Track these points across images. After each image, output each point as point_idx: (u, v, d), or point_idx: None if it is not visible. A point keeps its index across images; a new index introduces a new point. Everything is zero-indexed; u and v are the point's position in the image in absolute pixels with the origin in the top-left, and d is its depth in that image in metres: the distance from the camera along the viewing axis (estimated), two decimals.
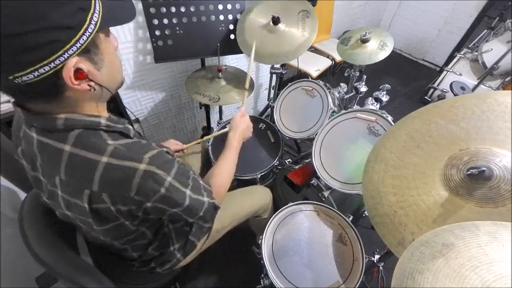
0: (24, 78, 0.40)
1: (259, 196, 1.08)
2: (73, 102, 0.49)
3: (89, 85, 0.47)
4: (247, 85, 1.12)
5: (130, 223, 0.60)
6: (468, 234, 0.37)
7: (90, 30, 0.43)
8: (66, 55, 0.41)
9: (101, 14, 0.46)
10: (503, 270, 0.31)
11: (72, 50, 0.42)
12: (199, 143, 1.20)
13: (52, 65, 0.41)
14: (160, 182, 0.53)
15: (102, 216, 0.55)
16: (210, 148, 1.25)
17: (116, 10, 0.51)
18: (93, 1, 0.45)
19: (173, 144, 1.10)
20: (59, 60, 0.41)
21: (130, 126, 0.60)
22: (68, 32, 0.41)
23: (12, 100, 0.49)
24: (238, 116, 0.99)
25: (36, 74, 0.40)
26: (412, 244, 0.40)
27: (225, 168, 0.85)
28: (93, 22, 0.44)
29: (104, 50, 0.49)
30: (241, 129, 0.96)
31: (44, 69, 0.40)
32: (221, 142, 1.27)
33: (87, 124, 0.50)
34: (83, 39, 0.42)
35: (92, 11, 0.44)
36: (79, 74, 0.44)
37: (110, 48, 0.51)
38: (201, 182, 0.67)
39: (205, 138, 1.21)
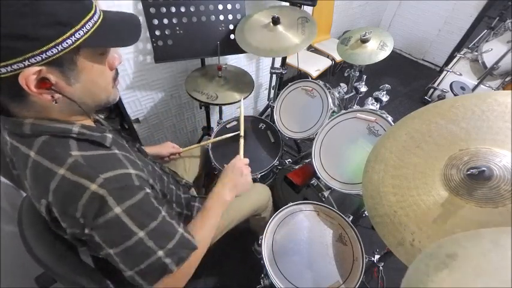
0: None
1: (258, 194, 1.08)
2: (40, 108, 0.48)
3: (52, 96, 0.46)
4: (241, 131, 1.03)
5: (81, 247, 0.56)
6: (471, 243, 0.37)
7: (65, 45, 0.42)
8: (26, 62, 0.40)
9: (90, 33, 0.45)
10: (506, 276, 0.31)
11: (35, 60, 0.41)
12: (196, 147, 1.19)
13: (9, 68, 0.40)
14: (105, 210, 0.47)
15: (61, 225, 0.52)
16: (210, 149, 1.25)
17: (114, 32, 0.49)
18: (84, 20, 0.44)
19: (170, 147, 1.08)
20: (17, 66, 0.40)
21: (109, 135, 0.56)
22: (31, 42, 0.40)
23: None
24: (235, 163, 0.82)
25: None
26: (417, 257, 0.40)
27: (207, 228, 0.69)
28: (72, 38, 0.43)
29: (83, 68, 0.47)
30: (232, 183, 0.78)
31: (1, 71, 0.40)
32: (221, 143, 1.28)
33: (55, 131, 0.49)
34: (52, 52, 0.42)
35: (77, 28, 0.43)
36: (43, 83, 0.44)
37: (94, 67, 0.49)
38: (181, 231, 0.57)
39: (202, 143, 1.21)
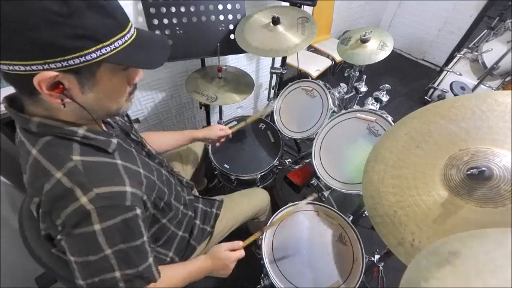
0: None
1: (258, 199, 1.08)
2: (48, 107, 0.49)
3: (61, 100, 0.46)
4: (267, 228, 0.88)
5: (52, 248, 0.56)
6: (476, 241, 0.37)
7: (88, 58, 0.42)
8: (45, 66, 0.41)
9: (116, 51, 0.45)
10: (509, 276, 0.31)
11: (55, 65, 0.41)
12: (243, 126, 1.14)
13: (28, 67, 0.41)
14: (85, 224, 0.47)
15: None
16: (210, 149, 1.25)
17: (142, 54, 0.49)
18: (115, 38, 0.44)
19: (217, 130, 1.05)
20: (36, 67, 0.41)
21: (114, 140, 0.56)
22: (55, 50, 0.40)
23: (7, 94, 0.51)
24: (226, 248, 0.77)
25: (10, 67, 0.41)
26: (419, 253, 0.40)
27: (171, 282, 0.66)
28: (97, 53, 0.43)
29: (100, 80, 0.47)
30: (217, 265, 0.75)
31: (19, 68, 0.41)
32: (222, 143, 1.28)
33: (60, 132, 0.50)
34: (73, 62, 0.42)
35: (105, 44, 0.43)
36: (56, 87, 0.44)
37: (112, 81, 0.49)
38: (151, 261, 0.56)
39: (247, 121, 1.15)
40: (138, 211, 0.53)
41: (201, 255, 0.78)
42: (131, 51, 0.47)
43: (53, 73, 0.42)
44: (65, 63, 0.41)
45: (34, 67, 0.41)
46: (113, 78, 0.49)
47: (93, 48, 0.42)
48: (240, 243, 0.81)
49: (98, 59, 0.44)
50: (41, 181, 0.47)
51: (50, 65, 0.41)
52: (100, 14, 0.42)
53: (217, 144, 1.10)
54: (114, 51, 0.45)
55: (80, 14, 0.40)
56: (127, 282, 0.52)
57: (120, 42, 0.45)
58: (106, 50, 0.44)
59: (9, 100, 0.51)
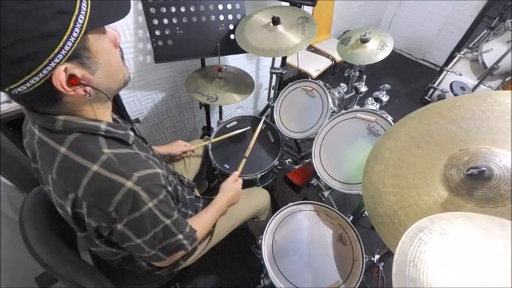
0: (19, 89, 0.42)
1: (258, 199, 1.08)
2: (72, 107, 0.50)
3: (84, 90, 0.47)
4: (247, 153, 1.11)
5: (97, 239, 0.58)
6: (462, 224, 0.39)
7: (75, 34, 0.42)
8: (52, 64, 0.41)
9: (88, 14, 0.43)
10: (498, 260, 0.32)
11: (58, 58, 0.41)
12: (208, 143, 1.20)
13: (40, 75, 0.41)
14: (140, 205, 0.52)
15: (82, 222, 0.54)
16: (210, 149, 1.25)
17: (107, 6, 0.48)
18: (78, 2, 0.42)
19: (181, 146, 1.10)
20: (46, 70, 0.41)
21: (131, 133, 0.59)
22: (49, 40, 0.40)
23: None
24: (230, 181, 0.97)
25: (28, 84, 0.42)
26: (410, 230, 0.41)
27: (204, 224, 0.80)
28: (78, 25, 0.42)
29: (97, 52, 0.47)
30: (230, 195, 0.93)
31: (34, 80, 0.41)
32: (221, 144, 1.28)
33: (86, 128, 0.51)
34: (68, 45, 0.42)
35: (76, 12, 0.42)
36: (72, 79, 0.44)
37: (105, 48, 0.49)
38: (187, 221, 0.68)
39: (213, 140, 1.23)
40: (169, 188, 0.60)
41: (217, 196, 0.92)
42: (99, 10, 0.46)
43: (62, 67, 0.42)
44: (63, 52, 0.41)
45: (44, 70, 0.41)
46: (105, 45, 0.49)
47: (72, 22, 0.41)
48: (236, 173, 1.02)
49: (82, 31, 0.43)
50: (77, 176, 0.49)
51: (54, 60, 0.41)
52: None
53: (178, 157, 1.12)
54: (87, 16, 0.43)
55: None
56: (188, 238, 0.66)
57: (84, 4, 0.43)
58: (81, 18, 0.43)
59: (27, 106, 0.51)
